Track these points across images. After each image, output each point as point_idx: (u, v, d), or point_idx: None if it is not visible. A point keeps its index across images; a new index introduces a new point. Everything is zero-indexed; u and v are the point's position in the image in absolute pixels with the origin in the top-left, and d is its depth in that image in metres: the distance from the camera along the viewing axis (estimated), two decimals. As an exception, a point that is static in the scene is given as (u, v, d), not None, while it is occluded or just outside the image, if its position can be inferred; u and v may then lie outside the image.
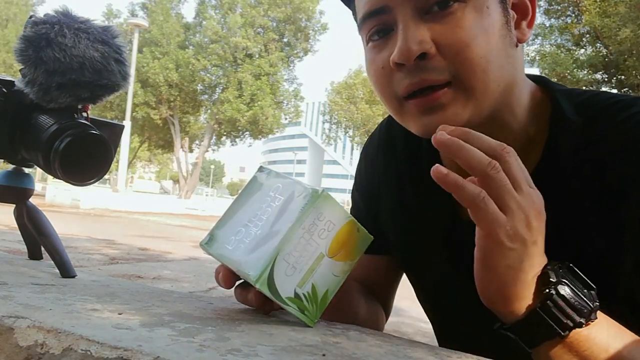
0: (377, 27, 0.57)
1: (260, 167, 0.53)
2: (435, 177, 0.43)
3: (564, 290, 0.45)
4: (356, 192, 0.82)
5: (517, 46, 0.56)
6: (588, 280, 0.48)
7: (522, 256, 0.45)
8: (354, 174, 0.85)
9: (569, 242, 0.54)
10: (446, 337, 0.75)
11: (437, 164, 0.44)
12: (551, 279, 0.46)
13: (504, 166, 0.44)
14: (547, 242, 0.47)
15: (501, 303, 0.47)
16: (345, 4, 0.64)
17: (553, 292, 0.45)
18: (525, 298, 0.46)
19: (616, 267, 0.52)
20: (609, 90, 0.63)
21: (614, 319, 0.50)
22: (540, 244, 0.46)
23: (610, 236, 0.53)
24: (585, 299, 0.46)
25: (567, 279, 0.46)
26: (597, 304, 0.46)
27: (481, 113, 0.54)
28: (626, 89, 12.21)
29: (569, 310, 0.45)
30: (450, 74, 0.53)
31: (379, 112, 22.87)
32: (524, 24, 0.58)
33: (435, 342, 0.75)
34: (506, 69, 0.54)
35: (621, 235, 0.52)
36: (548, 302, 0.45)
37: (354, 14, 0.62)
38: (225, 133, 22.73)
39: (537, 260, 0.46)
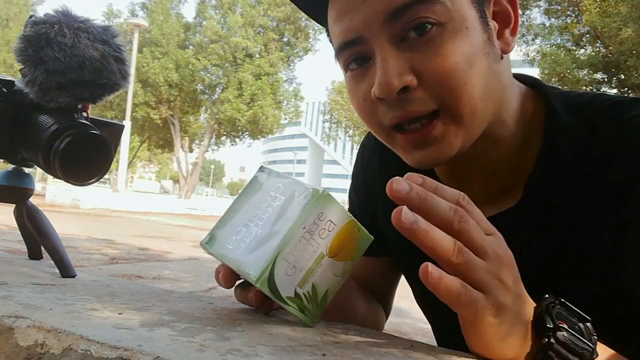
0: (355, 56, 0.55)
1: (261, 167, 0.53)
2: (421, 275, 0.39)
3: (563, 336, 0.43)
4: (353, 192, 0.82)
5: (502, 58, 0.54)
6: (582, 313, 0.45)
7: (513, 320, 0.42)
8: (353, 174, 0.85)
9: (570, 243, 0.54)
10: (444, 339, 0.75)
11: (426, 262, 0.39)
12: (548, 325, 0.43)
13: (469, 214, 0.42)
14: (549, 245, 0.47)
15: (498, 358, 0.44)
16: (319, 23, 0.61)
17: (553, 340, 0.43)
18: (523, 347, 0.44)
19: (617, 267, 0.52)
20: (606, 92, 0.62)
21: (613, 322, 0.50)
22: (522, 289, 0.44)
23: (612, 236, 0.53)
24: (584, 340, 0.43)
25: (563, 319, 0.44)
26: (595, 337, 0.44)
27: (473, 136, 0.54)
28: (626, 88, 12.20)
29: (571, 358, 0.43)
30: (436, 103, 0.51)
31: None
32: (507, 32, 0.55)
33: (435, 343, 0.75)
34: (493, 87, 0.53)
35: (622, 235, 0.52)
36: (550, 352, 0.43)
37: (329, 35, 0.59)
38: (225, 133, 22.73)
39: (527, 310, 0.44)
